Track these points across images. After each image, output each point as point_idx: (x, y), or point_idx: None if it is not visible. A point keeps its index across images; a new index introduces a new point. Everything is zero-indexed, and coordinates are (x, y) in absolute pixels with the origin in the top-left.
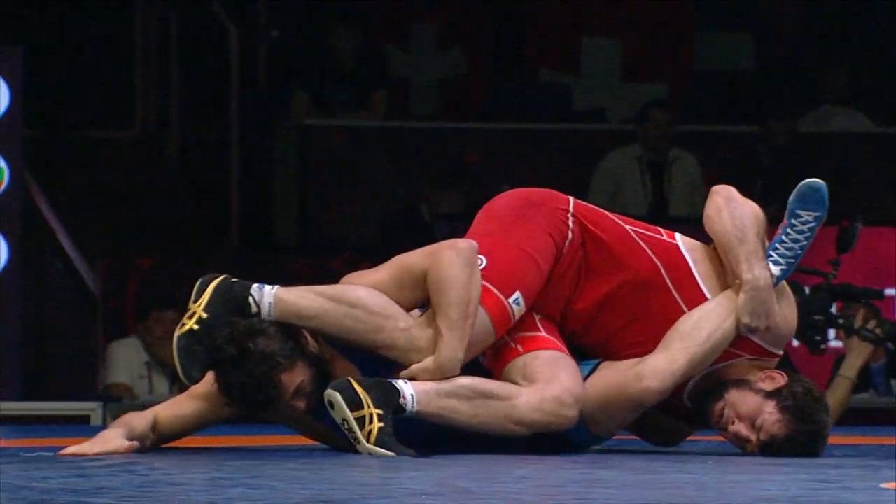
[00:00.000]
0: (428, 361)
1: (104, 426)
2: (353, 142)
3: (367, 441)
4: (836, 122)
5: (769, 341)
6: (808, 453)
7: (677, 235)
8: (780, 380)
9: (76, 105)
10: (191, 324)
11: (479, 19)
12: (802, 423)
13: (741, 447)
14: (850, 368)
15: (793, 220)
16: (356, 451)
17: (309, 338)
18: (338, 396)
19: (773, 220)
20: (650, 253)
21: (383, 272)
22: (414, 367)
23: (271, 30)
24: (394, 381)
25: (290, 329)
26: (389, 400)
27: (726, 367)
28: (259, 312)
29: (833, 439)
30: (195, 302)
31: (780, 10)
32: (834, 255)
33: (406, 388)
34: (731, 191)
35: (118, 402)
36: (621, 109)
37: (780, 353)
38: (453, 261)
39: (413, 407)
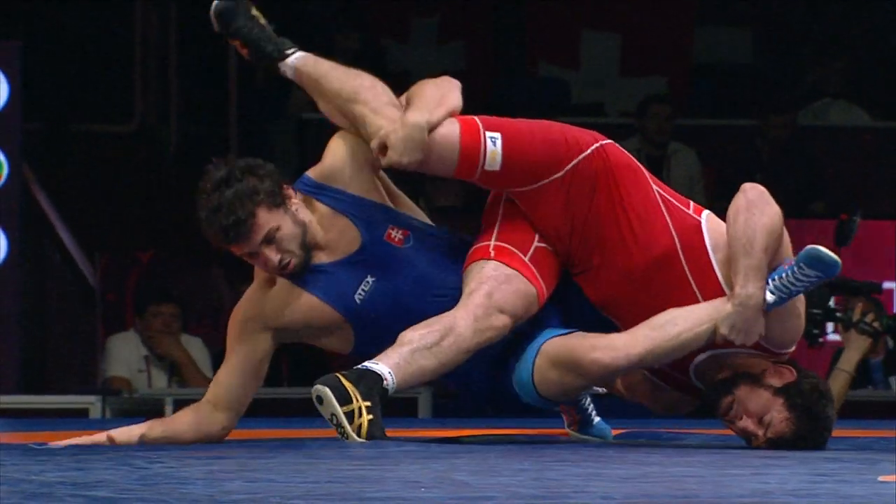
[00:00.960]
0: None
1: (103, 419)
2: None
3: (358, 435)
4: (835, 116)
5: (772, 344)
6: (815, 448)
7: (705, 213)
8: (790, 375)
9: (75, 99)
10: (365, 419)
11: (478, 13)
12: (811, 421)
13: (748, 440)
14: (848, 362)
15: (798, 269)
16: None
17: (298, 201)
18: (327, 391)
19: None
20: (671, 226)
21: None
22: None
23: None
24: (371, 366)
25: (281, 187)
26: (375, 389)
27: (730, 353)
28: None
29: (832, 431)
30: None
31: (779, 4)
32: (832, 249)
33: (383, 369)
34: (758, 194)
35: (117, 395)
36: (620, 103)
37: (787, 351)
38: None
39: (392, 385)
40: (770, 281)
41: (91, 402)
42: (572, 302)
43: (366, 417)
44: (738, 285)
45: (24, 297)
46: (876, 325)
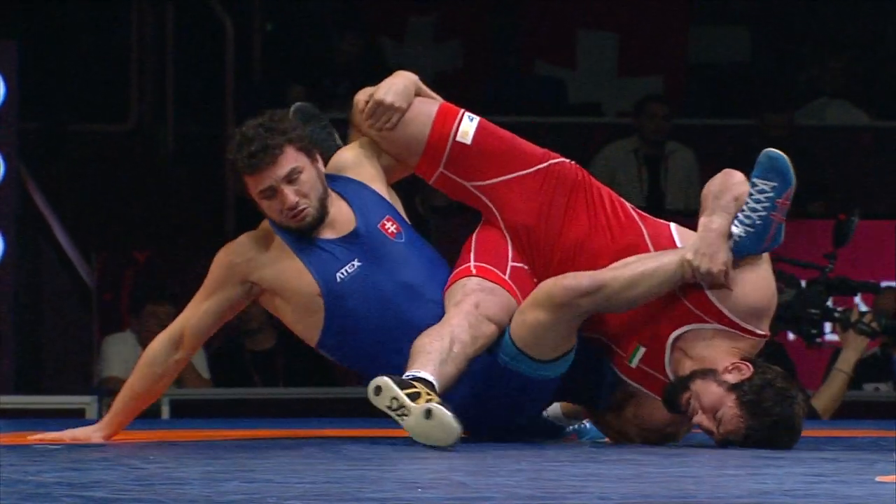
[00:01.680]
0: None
1: (99, 420)
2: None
3: (426, 411)
4: (833, 116)
5: (737, 312)
6: (774, 447)
7: (672, 223)
8: (746, 371)
9: (71, 98)
10: (434, 398)
11: (474, 12)
12: (760, 418)
13: (708, 435)
14: (846, 362)
15: (752, 190)
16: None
17: (321, 167)
18: (387, 380)
19: None
20: (641, 224)
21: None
22: None
23: (266, 23)
24: (417, 374)
25: (315, 142)
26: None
27: (694, 334)
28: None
29: (829, 432)
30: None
31: (777, 3)
32: (830, 249)
33: (428, 376)
34: (738, 173)
35: (113, 395)
36: (617, 103)
37: (759, 332)
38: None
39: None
40: (737, 219)
41: (87, 403)
42: None
43: (434, 397)
44: (704, 216)
45: (19, 296)
46: (874, 325)
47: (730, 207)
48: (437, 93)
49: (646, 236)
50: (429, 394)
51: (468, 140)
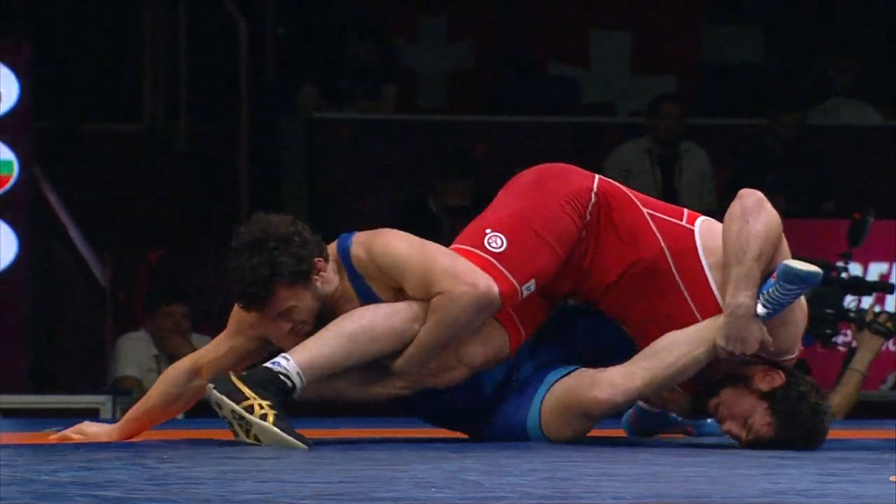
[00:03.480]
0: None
1: (113, 419)
2: (361, 134)
3: (265, 421)
4: (846, 115)
5: (776, 354)
6: (799, 450)
7: (700, 220)
8: (778, 380)
9: (85, 98)
10: (270, 412)
11: (487, 12)
12: (793, 430)
13: (732, 437)
14: (861, 362)
15: (779, 285)
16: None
17: (326, 274)
18: (216, 393)
19: (784, 213)
20: (659, 237)
21: (414, 257)
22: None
23: (279, 25)
24: (272, 365)
25: (310, 259)
26: (270, 387)
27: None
28: (294, 386)
29: (843, 433)
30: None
31: (790, 4)
32: (845, 249)
33: (289, 364)
34: (755, 200)
35: (127, 395)
36: (631, 102)
37: (788, 358)
38: (466, 304)
39: (301, 384)
40: (761, 294)
41: (101, 402)
42: (576, 333)
43: (270, 412)
44: (729, 295)
45: (34, 296)
46: (889, 325)
47: (752, 276)
48: (449, 92)
49: (665, 252)
50: (261, 406)
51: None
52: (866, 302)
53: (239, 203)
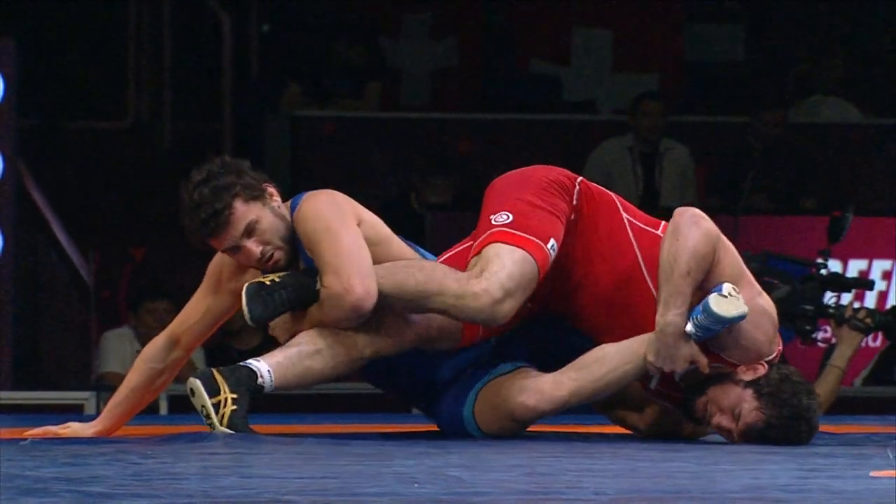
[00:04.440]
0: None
1: (97, 415)
2: (345, 132)
3: (221, 424)
4: (827, 113)
5: (747, 359)
6: (792, 440)
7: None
8: (761, 370)
9: (69, 95)
10: (264, 279)
11: (470, 10)
12: (779, 408)
13: (725, 437)
14: (840, 358)
15: (706, 316)
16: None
17: (278, 200)
18: (198, 384)
19: (765, 210)
20: (635, 245)
21: (323, 238)
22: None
23: (263, 23)
24: (250, 363)
25: (259, 179)
26: (245, 382)
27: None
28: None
29: (824, 428)
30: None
31: (771, 1)
32: (825, 245)
33: (262, 366)
34: (688, 217)
35: (111, 391)
36: (612, 100)
37: (772, 356)
38: (336, 304)
39: (272, 382)
40: (692, 317)
41: (85, 398)
42: (544, 331)
43: (230, 407)
44: (659, 313)
45: (18, 292)
46: (868, 320)
47: (680, 294)
48: (432, 90)
49: (640, 260)
50: (233, 402)
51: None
52: (846, 298)
53: None
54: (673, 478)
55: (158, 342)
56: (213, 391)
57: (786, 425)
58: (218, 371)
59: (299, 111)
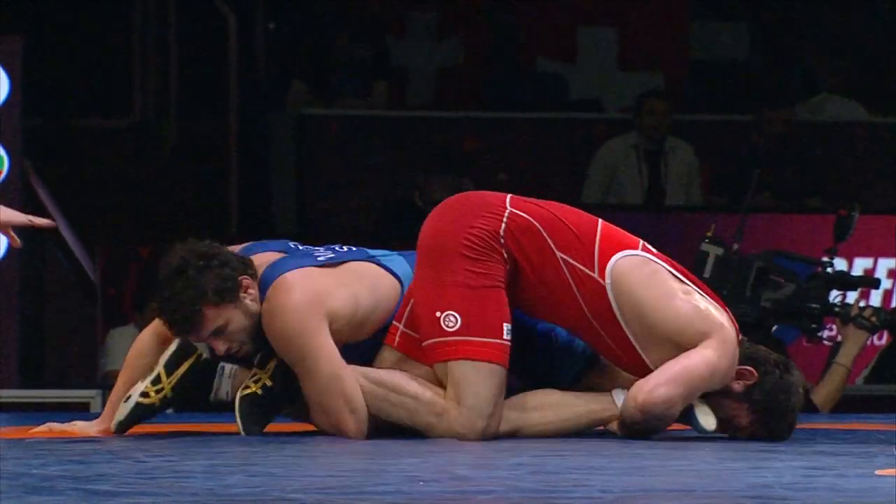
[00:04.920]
0: None
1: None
2: (351, 131)
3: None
4: (832, 111)
5: (681, 348)
6: (777, 436)
7: (610, 270)
8: (750, 378)
9: (75, 93)
10: (255, 388)
11: (475, 8)
12: (776, 419)
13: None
14: (846, 356)
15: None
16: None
17: (253, 292)
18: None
19: (770, 209)
20: (576, 293)
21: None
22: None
23: (269, 21)
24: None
25: (234, 277)
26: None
27: None
28: None
29: (829, 426)
30: (261, 369)
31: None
32: (831, 244)
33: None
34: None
35: None
36: (618, 98)
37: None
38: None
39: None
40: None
41: (91, 397)
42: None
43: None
44: (645, 389)
45: (23, 291)
46: (873, 319)
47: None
48: (438, 88)
49: (589, 318)
50: (257, 381)
51: None
52: (851, 297)
53: (228, 198)
54: (678, 476)
55: (145, 337)
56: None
57: (781, 431)
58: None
59: (305, 110)
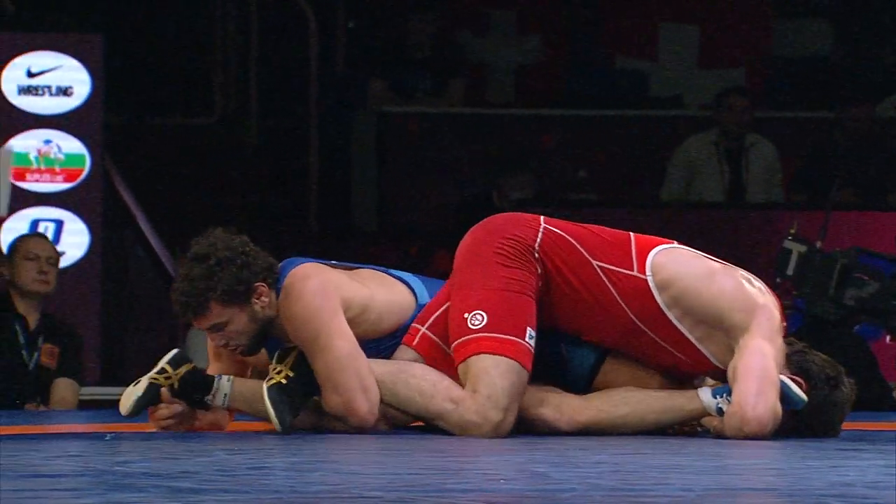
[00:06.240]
0: None
1: None
2: (430, 128)
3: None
4: None
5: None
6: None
7: (650, 265)
8: (801, 386)
9: (156, 91)
10: (279, 378)
11: (555, 5)
12: (817, 433)
13: None
14: None
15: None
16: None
17: (266, 299)
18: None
19: (853, 206)
20: (620, 301)
21: (315, 348)
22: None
23: (349, 19)
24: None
25: (249, 282)
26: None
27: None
28: None
29: None
30: (280, 362)
31: None
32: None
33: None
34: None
35: None
36: (698, 95)
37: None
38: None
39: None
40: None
41: None
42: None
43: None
44: (750, 405)
45: (105, 289)
46: None
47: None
48: (517, 86)
49: (633, 319)
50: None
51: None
52: None
53: (308, 197)
54: (759, 474)
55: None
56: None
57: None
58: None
59: (385, 107)
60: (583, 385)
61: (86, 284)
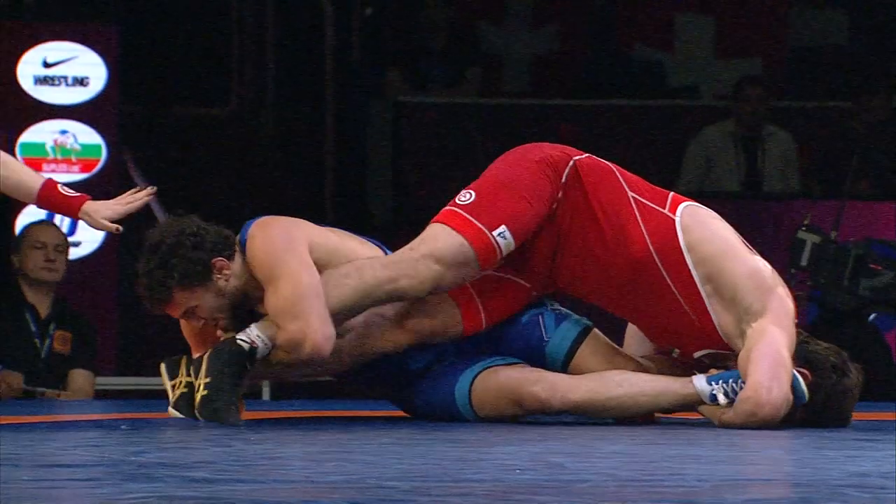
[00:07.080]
0: None
1: None
2: (447, 118)
3: (170, 405)
4: None
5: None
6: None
7: (682, 208)
8: (806, 381)
9: (173, 82)
10: (201, 393)
11: None
12: (826, 422)
13: None
14: None
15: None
16: (452, 422)
17: (227, 272)
18: (162, 368)
19: (869, 196)
20: (643, 229)
21: (275, 275)
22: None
23: (365, 8)
24: (241, 339)
25: (205, 261)
26: (219, 366)
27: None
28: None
29: None
30: (196, 378)
31: None
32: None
33: (251, 332)
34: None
35: None
36: (715, 85)
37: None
38: (291, 347)
39: (263, 345)
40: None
41: None
42: (501, 337)
43: (179, 390)
44: (764, 390)
45: (121, 280)
46: None
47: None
48: (534, 76)
49: (651, 249)
50: (185, 385)
51: (513, 247)
52: None
53: (324, 186)
54: (776, 464)
55: None
56: (172, 374)
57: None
58: (187, 356)
59: (402, 97)
60: (558, 369)
61: (102, 275)
